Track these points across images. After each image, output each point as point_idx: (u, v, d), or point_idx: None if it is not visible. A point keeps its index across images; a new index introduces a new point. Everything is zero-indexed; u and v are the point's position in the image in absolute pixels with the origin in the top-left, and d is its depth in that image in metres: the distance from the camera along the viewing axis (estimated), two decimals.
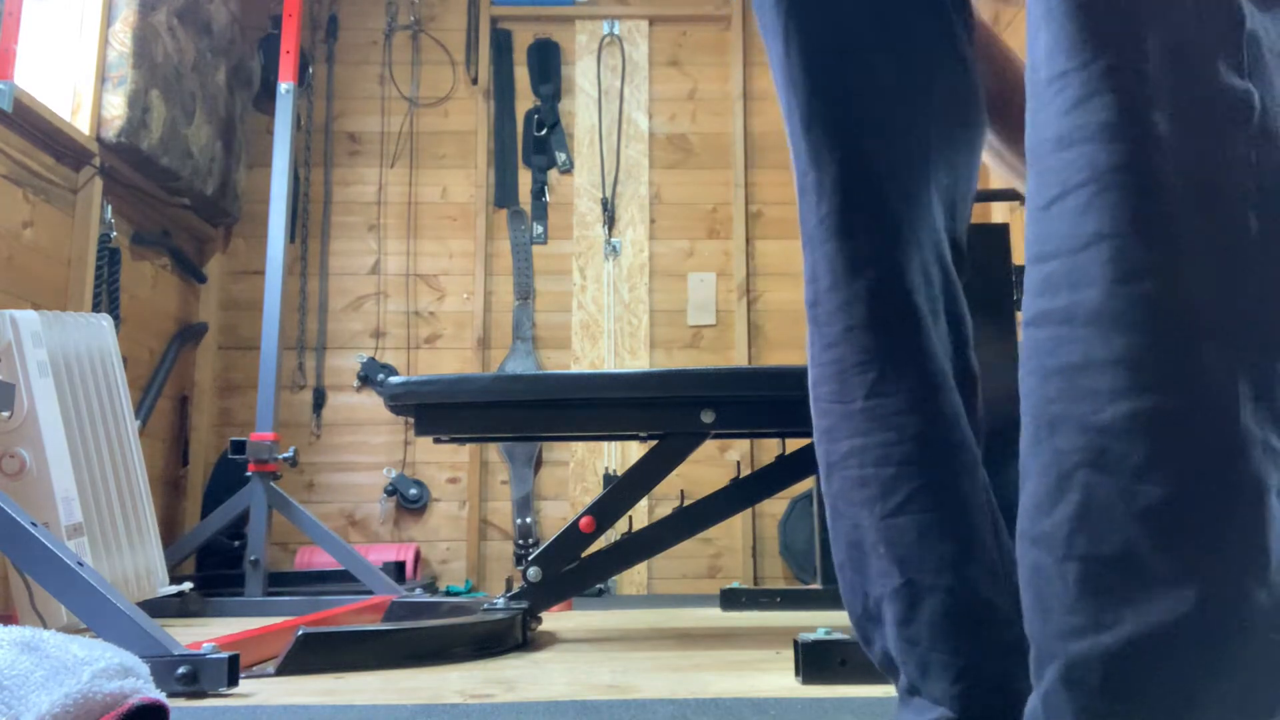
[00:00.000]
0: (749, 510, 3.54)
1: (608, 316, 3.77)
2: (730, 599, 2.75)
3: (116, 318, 2.75)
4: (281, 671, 1.58)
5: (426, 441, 3.59)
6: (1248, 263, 0.53)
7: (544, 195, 3.86)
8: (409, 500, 3.60)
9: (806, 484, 3.06)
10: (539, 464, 3.68)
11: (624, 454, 3.65)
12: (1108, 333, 0.53)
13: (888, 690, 1.39)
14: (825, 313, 0.78)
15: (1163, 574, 0.51)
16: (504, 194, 3.86)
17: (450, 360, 3.74)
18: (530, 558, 2.03)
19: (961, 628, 0.70)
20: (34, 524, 1.48)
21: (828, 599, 2.63)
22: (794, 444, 2.18)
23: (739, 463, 3.04)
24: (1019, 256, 1.57)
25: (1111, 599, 0.52)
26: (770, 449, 3.57)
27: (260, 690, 1.43)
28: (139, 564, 2.41)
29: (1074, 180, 0.55)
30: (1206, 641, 0.50)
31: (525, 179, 3.89)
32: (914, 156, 0.80)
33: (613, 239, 3.83)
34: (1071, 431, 0.54)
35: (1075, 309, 0.55)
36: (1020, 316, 0.62)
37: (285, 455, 2.88)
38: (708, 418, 1.97)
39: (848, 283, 0.76)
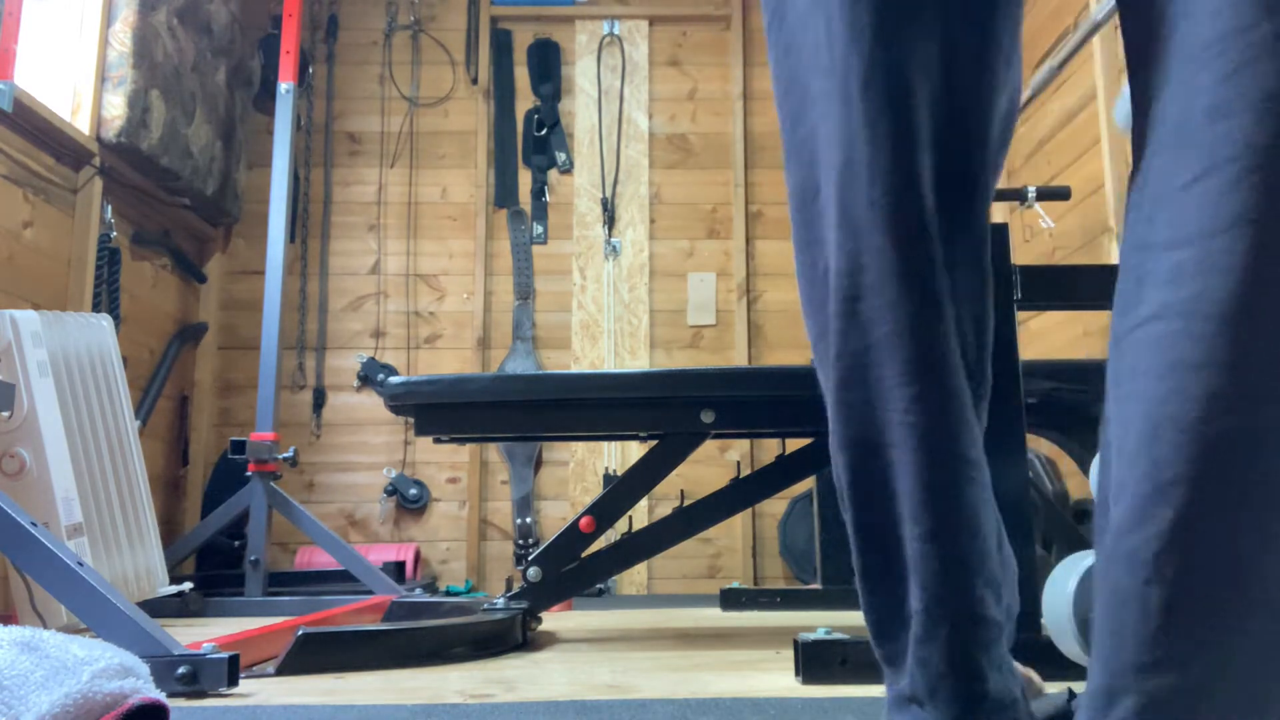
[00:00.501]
0: (749, 510, 3.54)
1: (608, 316, 3.77)
2: (730, 599, 2.75)
3: (116, 318, 2.75)
4: (281, 671, 1.58)
5: (426, 441, 3.59)
6: None
7: (544, 195, 3.86)
8: (409, 500, 3.60)
9: (806, 484, 3.06)
10: (539, 464, 3.68)
11: (624, 454, 3.65)
12: (1236, 330, 0.48)
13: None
14: (870, 308, 0.69)
15: (1259, 603, 0.48)
16: (504, 194, 3.86)
17: (450, 360, 3.74)
18: (530, 558, 2.03)
19: (972, 655, 0.69)
20: (34, 524, 1.48)
21: (828, 599, 2.63)
22: (794, 444, 2.18)
23: (739, 463, 3.04)
24: (1019, 256, 1.58)
25: (1199, 631, 0.48)
26: (770, 449, 3.57)
27: (260, 690, 1.43)
28: (139, 564, 2.41)
29: (1221, 156, 0.49)
30: None
31: (525, 179, 3.89)
32: (971, 132, 0.71)
33: (613, 239, 3.83)
34: (1175, 438, 0.49)
35: (1200, 300, 0.49)
36: (1111, 317, 0.57)
37: (285, 455, 2.88)
38: (708, 418, 1.97)
39: (897, 282, 0.68)
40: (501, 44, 3.97)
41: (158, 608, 2.49)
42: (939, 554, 0.69)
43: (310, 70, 3.85)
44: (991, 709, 0.69)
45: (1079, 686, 0.92)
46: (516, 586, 2.05)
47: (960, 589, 0.69)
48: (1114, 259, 2.68)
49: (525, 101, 3.95)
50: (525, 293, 3.78)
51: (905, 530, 0.71)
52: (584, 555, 2.05)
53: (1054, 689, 0.98)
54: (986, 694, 0.69)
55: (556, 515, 3.62)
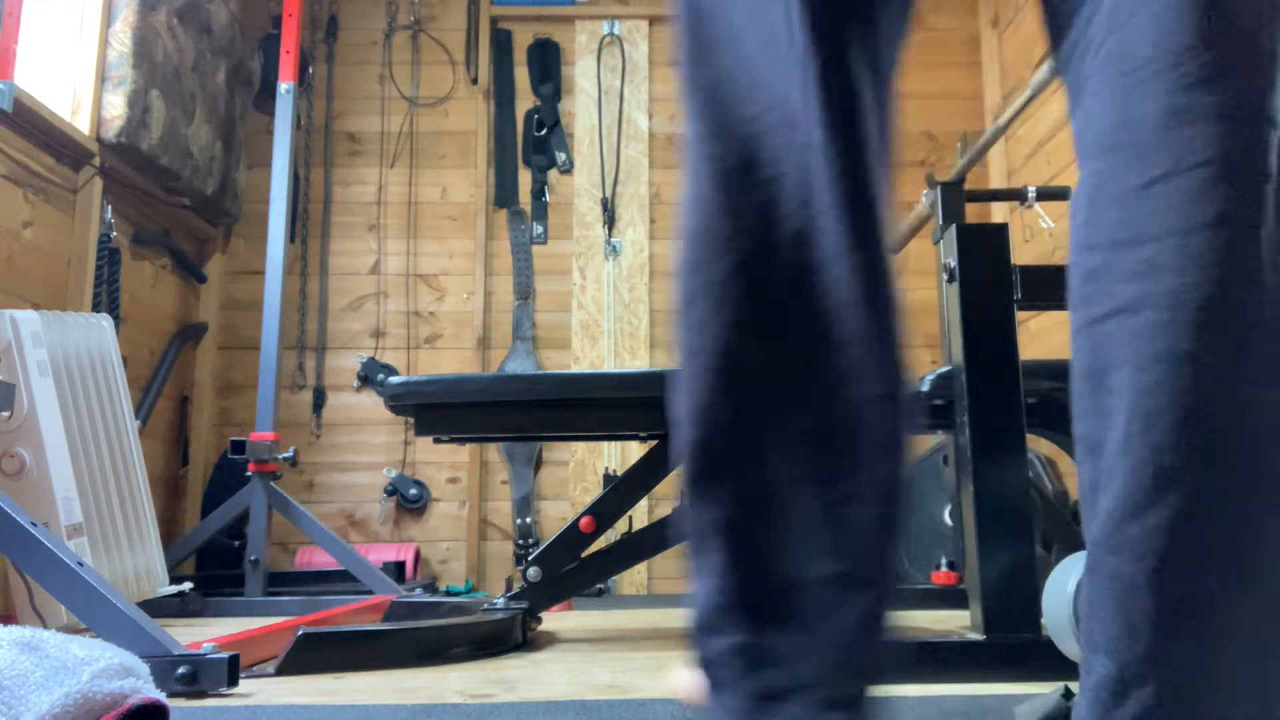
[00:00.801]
0: None
1: (608, 316, 3.77)
2: None
3: (116, 318, 2.75)
4: (281, 671, 1.58)
5: (426, 441, 3.59)
6: None
7: (544, 195, 3.87)
8: (409, 500, 3.60)
9: None
10: (539, 464, 3.68)
11: (624, 454, 3.65)
12: (1224, 320, 0.50)
13: (887, 690, 1.38)
14: (830, 279, 0.68)
15: (1269, 584, 0.49)
16: (504, 194, 3.86)
17: (450, 360, 3.74)
18: (530, 558, 2.03)
19: (883, 623, 0.65)
20: (34, 524, 1.48)
21: None
22: None
23: None
24: (1019, 256, 1.59)
25: (1215, 616, 0.49)
26: None
27: (260, 690, 1.43)
28: (139, 564, 2.41)
29: (1189, 160, 0.51)
30: None
31: (525, 179, 3.89)
32: (892, 127, 0.73)
33: (613, 239, 3.83)
34: (1175, 426, 0.50)
35: (1185, 294, 0.50)
36: (1068, 314, 0.59)
37: (285, 455, 2.88)
38: None
39: (856, 249, 0.67)
40: (501, 44, 3.97)
41: (158, 608, 2.48)
42: (859, 517, 0.65)
43: (310, 70, 3.85)
44: (870, 682, 0.65)
45: (1075, 685, 0.92)
46: (516, 586, 2.05)
47: (879, 556, 0.65)
48: None
49: (525, 101, 3.95)
50: (525, 293, 3.78)
51: (821, 493, 0.66)
52: (584, 555, 2.05)
53: (1048, 688, 0.98)
54: (882, 664, 0.66)
55: (556, 515, 3.62)
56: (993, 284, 1.56)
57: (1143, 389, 0.51)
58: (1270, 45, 0.53)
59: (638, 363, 3.72)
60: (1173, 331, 0.50)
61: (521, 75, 3.96)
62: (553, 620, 2.48)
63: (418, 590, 2.98)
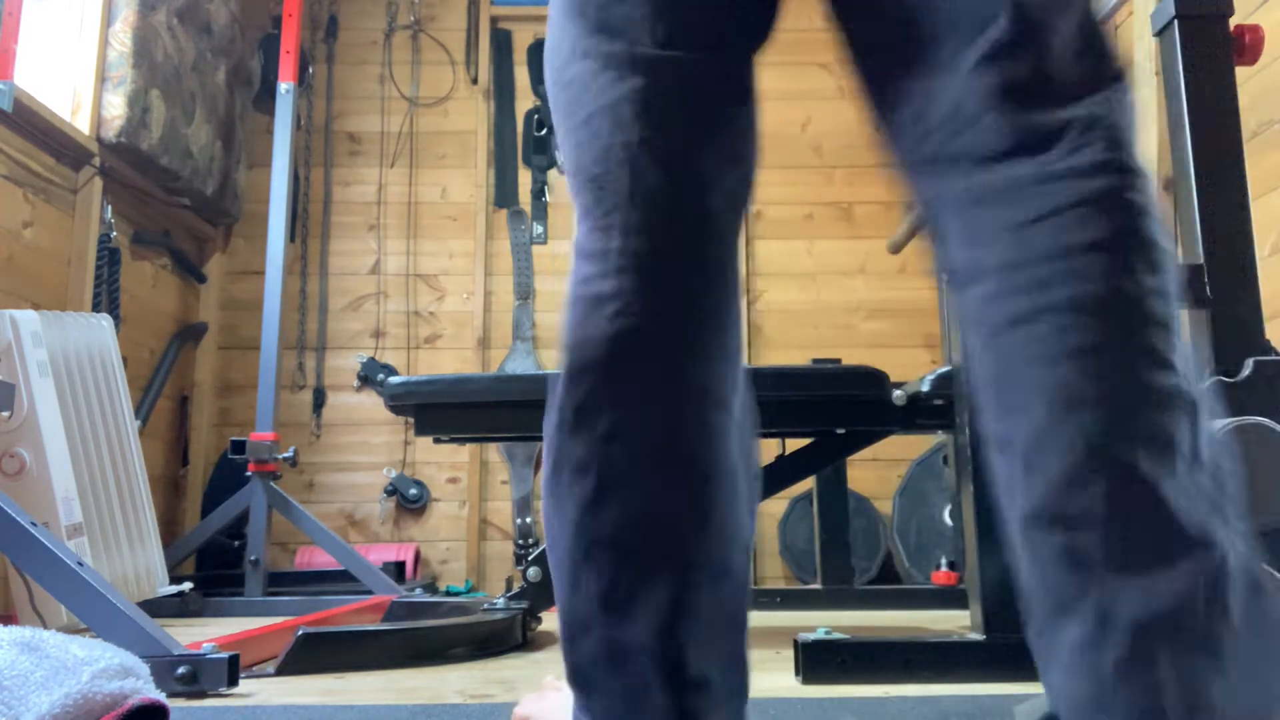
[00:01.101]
0: None
1: None
2: None
3: (116, 318, 2.75)
4: (281, 671, 1.58)
5: (426, 441, 3.59)
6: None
7: (544, 195, 3.87)
8: (409, 500, 3.60)
9: (806, 484, 3.06)
10: (539, 464, 3.68)
11: None
12: (1120, 318, 0.59)
13: (888, 690, 1.39)
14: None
15: (1207, 535, 0.56)
16: (504, 194, 3.86)
17: (450, 360, 3.74)
18: (530, 558, 2.03)
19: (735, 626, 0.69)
20: (34, 524, 1.48)
21: (828, 599, 2.63)
22: (794, 444, 2.18)
23: None
24: None
25: (1168, 562, 0.55)
26: (770, 449, 3.57)
27: (260, 690, 1.43)
28: (139, 564, 2.41)
29: (1067, 202, 0.61)
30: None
31: (525, 179, 3.89)
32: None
33: None
34: (1102, 410, 0.57)
35: (1083, 300, 0.59)
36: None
37: (285, 455, 2.88)
38: None
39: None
40: (501, 44, 3.97)
41: (158, 608, 2.48)
42: (684, 521, 0.71)
43: (310, 70, 3.85)
44: None
45: None
46: (516, 586, 2.05)
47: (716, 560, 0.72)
48: None
49: (525, 101, 3.95)
50: (525, 293, 3.78)
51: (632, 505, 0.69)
52: None
53: None
54: None
55: None
56: None
57: (1059, 381, 0.58)
58: (1119, 115, 0.63)
59: None
60: (1077, 331, 0.58)
61: (521, 75, 3.96)
62: (553, 620, 2.47)
63: (418, 590, 2.98)
